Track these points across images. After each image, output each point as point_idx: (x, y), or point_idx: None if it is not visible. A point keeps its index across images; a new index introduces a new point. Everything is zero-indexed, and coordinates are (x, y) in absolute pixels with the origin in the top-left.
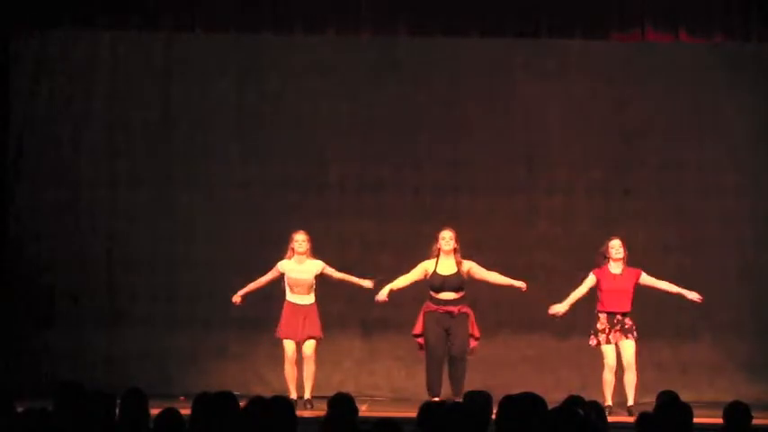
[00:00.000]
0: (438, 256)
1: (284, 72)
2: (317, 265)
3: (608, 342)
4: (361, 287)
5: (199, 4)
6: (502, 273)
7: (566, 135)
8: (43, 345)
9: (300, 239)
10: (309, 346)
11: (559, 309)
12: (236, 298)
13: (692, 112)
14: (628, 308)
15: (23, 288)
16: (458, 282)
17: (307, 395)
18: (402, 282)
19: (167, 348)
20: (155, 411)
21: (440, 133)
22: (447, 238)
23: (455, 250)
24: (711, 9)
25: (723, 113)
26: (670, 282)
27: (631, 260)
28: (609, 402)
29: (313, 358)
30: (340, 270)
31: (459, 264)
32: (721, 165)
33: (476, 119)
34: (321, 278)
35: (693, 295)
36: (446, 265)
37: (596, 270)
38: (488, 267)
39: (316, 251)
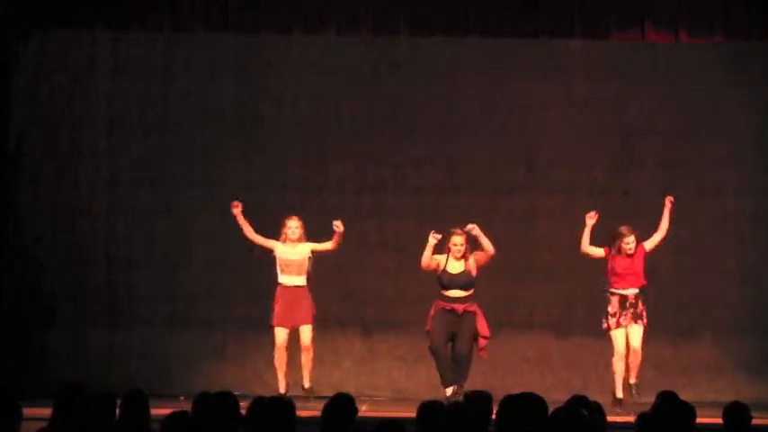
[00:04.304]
0: (448, 253)
1: (284, 72)
2: (306, 247)
3: (618, 326)
4: (340, 236)
5: (199, 4)
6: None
7: (566, 135)
8: (43, 345)
9: (293, 226)
10: (306, 336)
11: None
12: (238, 206)
13: (692, 111)
14: (640, 284)
15: (23, 288)
16: (466, 279)
17: (306, 383)
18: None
19: (167, 348)
20: (155, 411)
21: (440, 133)
22: (458, 245)
23: (465, 253)
24: (711, 9)
25: (723, 113)
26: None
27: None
28: (619, 395)
29: (311, 347)
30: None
31: (466, 261)
32: (721, 165)
33: (476, 119)
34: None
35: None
36: (455, 265)
37: (609, 250)
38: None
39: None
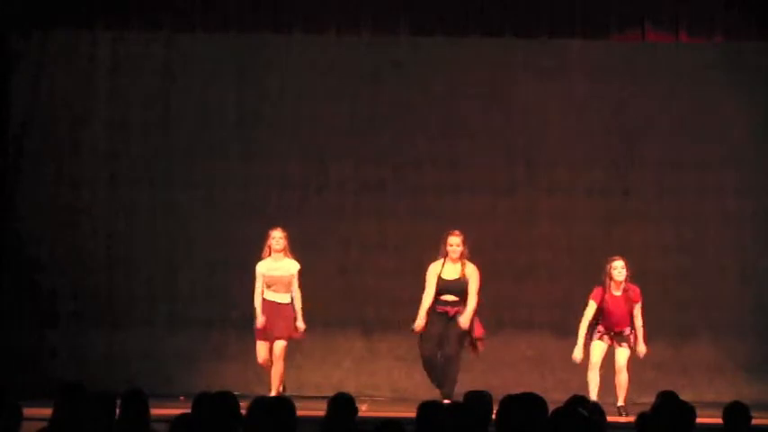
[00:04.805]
0: (445, 257)
1: (284, 72)
2: (294, 265)
3: (600, 339)
4: (295, 319)
5: (199, 4)
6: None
7: (566, 135)
8: (43, 345)
9: (277, 237)
10: (279, 347)
11: (577, 355)
12: (261, 319)
13: (692, 112)
14: (626, 326)
15: (23, 288)
16: (460, 286)
17: (273, 393)
18: (427, 300)
19: (167, 348)
20: (155, 411)
21: (440, 133)
22: (455, 246)
23: (462, 254)
24: (711, 9)
25: (723, 113)
26: (642, 324)
27: (631, 260)
28: (594, 399)
29: (282, 358)
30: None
31: (463, 266)
32: (721, 165)
33: (476, 119)
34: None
35: (641, 348)
36: (451, 270)
37: (595, 293)
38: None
39: (317, 251)
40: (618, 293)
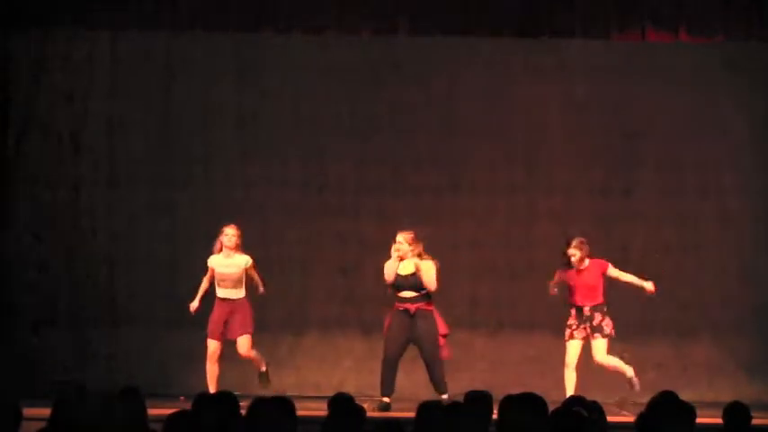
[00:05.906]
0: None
1: (284, 72)
2: (244, 259)
3: (572, 338)
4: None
5: (199, 4)
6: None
7: (566, 135)
8: (43, 345)
9: (230, 233)
10: (243, 344)
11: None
12: (195, 305)
13: (692, 112)
14: (596, 301)
15: (24, 288)
16: (414, 281)
17: (263, 368)
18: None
19: (167, 348)
20: (155, 411)
21: (440, 133)
22: (398, 243)
23: (416, 253)
24: (711, 9)
25: (723, 113)
26: (639, 276)
27: (631, 260)
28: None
29: (250, 352)
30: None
31: (417, 264)
32: (721, 165)
33: (475, 119)
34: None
35: (648, 285)
36: (406, 265)
37: (559, 272)
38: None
39: (317, 251)
40: (582, 268)
